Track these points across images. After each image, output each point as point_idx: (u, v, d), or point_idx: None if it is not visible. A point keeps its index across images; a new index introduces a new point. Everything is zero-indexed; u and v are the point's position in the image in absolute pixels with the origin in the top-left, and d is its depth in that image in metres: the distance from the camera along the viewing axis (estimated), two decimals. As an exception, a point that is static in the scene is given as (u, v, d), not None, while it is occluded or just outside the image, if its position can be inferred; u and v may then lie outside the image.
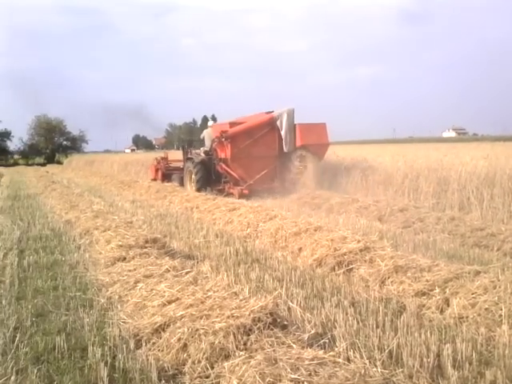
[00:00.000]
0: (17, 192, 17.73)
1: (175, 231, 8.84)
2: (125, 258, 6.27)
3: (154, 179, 19.15)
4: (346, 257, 6.02)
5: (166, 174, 18.62)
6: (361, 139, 60.47)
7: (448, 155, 14.47)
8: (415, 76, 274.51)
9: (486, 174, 10.54)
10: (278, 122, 14.54)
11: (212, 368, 3.40)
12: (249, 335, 3.64)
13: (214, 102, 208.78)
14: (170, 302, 4.44)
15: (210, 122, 19.03)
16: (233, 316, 3.83)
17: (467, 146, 22.48)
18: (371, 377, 3.04)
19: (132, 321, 4.35)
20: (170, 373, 3.52)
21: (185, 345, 3.70)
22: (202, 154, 15.70)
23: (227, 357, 3.45)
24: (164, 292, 4.69)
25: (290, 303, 4.63)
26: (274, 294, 4.55)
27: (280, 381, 2.94)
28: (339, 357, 3.29)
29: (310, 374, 2.99)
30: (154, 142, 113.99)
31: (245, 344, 3.55)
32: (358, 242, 6.31)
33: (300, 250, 6.79)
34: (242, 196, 13.57)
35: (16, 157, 65.06)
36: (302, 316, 4.35)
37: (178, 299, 4.46)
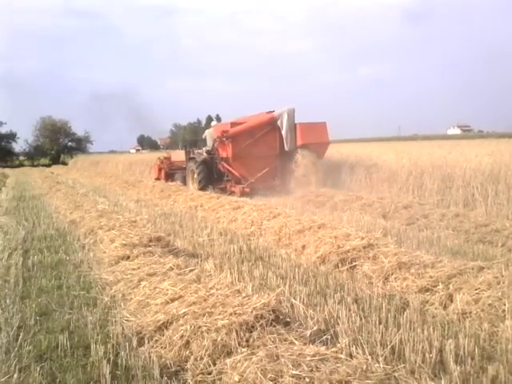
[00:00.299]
0: (22, 193, 17.81)
1: (179, 230, 8.86)
2: (129, 257, 6.29)
3: (158, 178, 19.35)
4: (349, 254, 6.01)
5: (169, 173, 18.79)
6: (366, 137, 60.36)
7: (452, 152, 14.45)
8: (420, 74, 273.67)
9: (490, 170, 10.51)
10: (279, 122, 14.68)
11: (214, 365, 3.41)
12: (251, 332, 3.64)
13: (219, 102, 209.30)
14: (172, 300, 4.45)
15: (214, 122, 19.19)
16: (235, 313, 3.83)
17: (472, 143, 22.34)
18: (373, 372, 3.03)
19: (135, 319, 4.36)
20: (173, 369, 3.53)
21: (187, 342, 3.71)
22: (204, 154, 15.83)
23: (229, 353, 3.46)
24: (167, 290, 4.70)
25: (293, 300, 4.63)
26: (277, 291, 4.55)
27: (281, 377, 2.94)
28: (341, 353, 3.28)
29: (311, 370, 2.99)
30: (158, 142, 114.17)
31: (247, 341, 3.55)
32: (362, 238, 6.30)
33: (304, 247, 6.78)
34: (243, 194, 13.67)
35: (21, 158, 65.40)
36: (304, 313, 4.35)
37: (180, 297, 4.47)
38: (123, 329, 4.20)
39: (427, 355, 3.53)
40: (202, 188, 14.60)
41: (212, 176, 15.05)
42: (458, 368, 3.33)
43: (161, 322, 4.09)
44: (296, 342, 3.42)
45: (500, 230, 7.69)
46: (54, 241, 8.26)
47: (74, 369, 3.64)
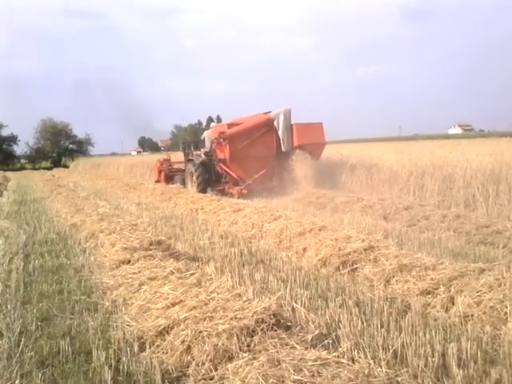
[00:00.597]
0: (23, 196, 17.84)
1: (180, 233, 8.86)
2: (129, 261, 6.28)
3: (158, 181, 19.31)
4: (350, 256, 6.00)
5: (169, 175, 18.75)
6: (366, 137, 60.27)
7: (453, 152, 14.38)
8: (420, 73, 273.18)
9: (491, 170, 10.47)
10: (275, 123, 14.66)
11: (216, 370, 3.39)
12: (252, 337, 3.63)
13: (219, 103, 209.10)
14: (173, 305, 4.44)
15: (213, 123, 19.15)
16: (236, 318, 3.83)
17: (473, 143, 22.28)
18: (375, 377, 3.02)
19: (136, 323, 4.36)
20: (174, 375, 3.52)
21: (188, 347, 3.70)
22: (203, 155, 15.83)
23: (231, 358, 3.45)
24: (168, 294, 4.69)
25: (294, 304, 4.62)
26: (278, 295, 4.54)
27: (283, 382, 2.93)
28: (343, 357, 3.28)
29: (313, 375, 2.98)
30: (159, 144, 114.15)
31: (248, 345, 3.54)
32: (363, 241, 6.30)
33: (304, 250, 6.78)
34: (241, 196, 13.68)
35: (23, 161, 65.53)
36: (306, 316, 4.33)
37: (181, 301, 4.46)
38: (124, 334, 4.19)
39: (430, 359, 3.52)
40: (201, 190, 14.61)
41: (210, 178, 15.04)
42: (461, 372, 3.32)
43: (162, 327, 4.09)
44: (297, 347, 3.41)
45: (501, 231, 7.66)
46: (55, 245, 8.26)
47: (76, 375, 3.63)
